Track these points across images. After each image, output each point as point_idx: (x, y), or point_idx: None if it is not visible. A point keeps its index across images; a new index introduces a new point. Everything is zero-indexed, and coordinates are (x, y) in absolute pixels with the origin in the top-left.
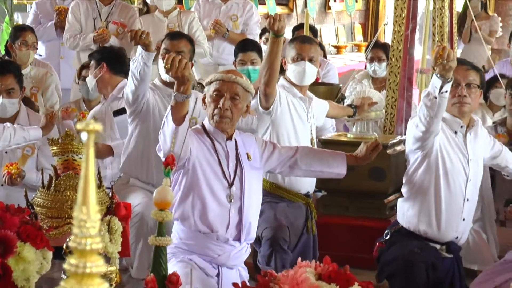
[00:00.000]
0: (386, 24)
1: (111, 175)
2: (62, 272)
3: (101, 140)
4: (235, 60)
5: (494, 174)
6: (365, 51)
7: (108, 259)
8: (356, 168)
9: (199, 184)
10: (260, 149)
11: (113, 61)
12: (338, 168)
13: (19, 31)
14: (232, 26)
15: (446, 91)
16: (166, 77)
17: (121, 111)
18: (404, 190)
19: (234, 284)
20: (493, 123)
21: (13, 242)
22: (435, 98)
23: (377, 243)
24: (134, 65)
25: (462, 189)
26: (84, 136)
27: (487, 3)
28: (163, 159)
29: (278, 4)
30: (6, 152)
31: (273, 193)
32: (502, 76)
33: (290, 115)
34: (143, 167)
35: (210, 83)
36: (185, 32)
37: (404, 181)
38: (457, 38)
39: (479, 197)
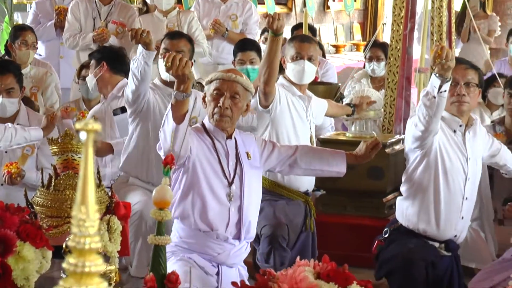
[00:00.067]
0: (385, 24)
1: (110, 174)
2: (61, 271)
3: (101, 139)
4: (234, 60)
5: (492, 173)
6: (364, 51)
7: (107, 258)
8: (355, 167)
9: (199, 183)
10: (259, 148)
11: (113, 60)
12: (338, 167)
13: (19, 30)
14: (232, 25)
15: (445, 91)
16: (166, 76)
17: (121, 110)
18: (403, 188)
19: (233, 283)
20: (492, 122)
21: (13, 241)
22: (434, 97)
23: (376, 241)
24: (135, 65)
25: (461, 187)
26: (83, 135)
27: (485, 2)
28: (163, 157)
29: (277, 3)
30: (6, 152)
31: (273, 191)
32: (500, 75)
33: (289, 114)
34: (143, 166)
35: (210, 82)
36: (185, 31)
37: (403, 179)
38: (455, 37)
39: (477, 196)
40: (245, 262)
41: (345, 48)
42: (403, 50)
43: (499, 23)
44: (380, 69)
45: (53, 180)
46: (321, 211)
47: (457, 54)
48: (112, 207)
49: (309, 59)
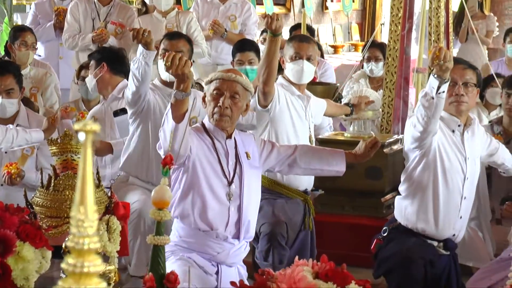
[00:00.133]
0: (383, 24)
1: (110, 174)
2: (61, 271)
3: (101, 139)
4: (233, 60)
5: (490, 172)
6: (362, 51)
7: (107, 258)
8: (353, 167)
9: (199, 182)
10: (259, 148)
11: (113, 61)
12: (337, 166)
13: (18, 31)
14: (231, 26)
15: (443, 92)
16: (166, 77)
17: (121, 111)
18: (402, 188)
19: (232, 283)
20: (489, 122)
21: (13, 241)
22: (433, 98)
23: (375, 240)
24: (135, 65)
25: (459, 187)
26: (81, 136)
27: (483, 2)
28: (163, 157)
29: (275, 4)
30: (5, 152)
31: (272, 189)
32: (498, 75)
33: (289, 113)
34: (143, 166)
35: (210, 82)
36: (183, 32)
37: (402, 179)
38: (453, 37)
39: (475, 195)
40: (244, 262)
41: (343, 49)
42: (401, 50)
43: (497, 23)
44: (378, 69)
45: (52, 181)
46: (319, 210)
47: (455, 54)
48: (112, 207)
49: (308, 59)
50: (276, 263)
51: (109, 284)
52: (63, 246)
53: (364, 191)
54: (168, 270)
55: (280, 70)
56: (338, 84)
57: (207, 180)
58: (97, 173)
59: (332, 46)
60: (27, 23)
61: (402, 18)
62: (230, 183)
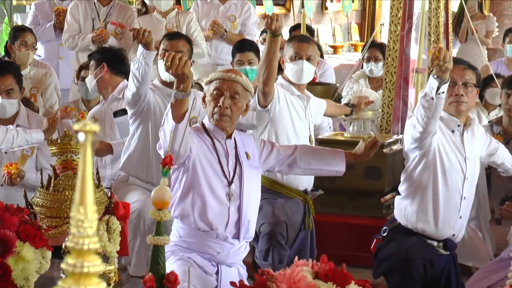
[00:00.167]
0: (383, 24)
1: (110, 175)
2: (61, 271)
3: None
4: (232, 60)
5: (489, 172)
6: (362, 51)
7: (106, 259)
8: (353, 167)
9: (199, 182)
10: (258, 148)
11: (113, 61)
12: (337, 166)
13: (18, 32)
14: (230, 26)
15: (443, 92)
16: (165, 77)
17: (121, 112)
18: (402, 188)
19: (232, 283)
20: (489, 122)
21: (13, 241)
22: (432, 99)
23: (375, 240)
24: (135, 66)
25: (459, 187)
26: (81, 136)
27: (483, 2)
28: (163, 157)
29: (275, 4)
30: (5, 153)
31: (272, 189)
32: (497, 75)
33: (289, 113)
34: (144, 167)
35: (210, 82)
36: (183, 32)
37: (402, 179)
38: (453, 37)
39: (475, 195)
40: (244, 262)
41: (343, 49)
42: (400, 50)
43: (496, 24)
44: (378, 69)
45: (52, 181)
46: (319, 210)
47: (454, 55)
48: (111, 208)
49: (308, 59)
50: (276, 263)
51: (109, 284)
52: (63, 246)
53: (364, 191)
54: (168, 270)
55: (280, 70)
56: (337, 85)
57: (207, 180)
58: (97, 173)
59: (332, 47)
60: (27, 23)
61: (401, 19)
62: (230, 183)
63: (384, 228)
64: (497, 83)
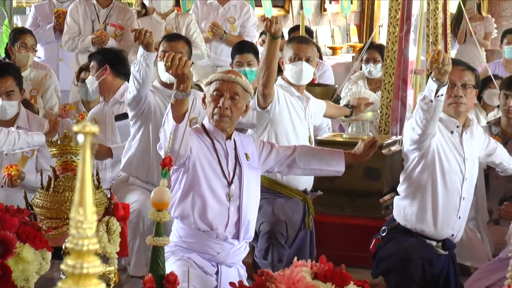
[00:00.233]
0: (381, 26)
1: (110, 177)
2: (61, 272)
3: (100, 142)
4: (232, 62)
5: (488, 173)
6: (360, 52)
7: (106, 259)
8: (352, 167)
9: (199, 183)
10: (258, 149)
11: (115, 63)
12: (336, 166)
13: (18, 33)
14: (230, 28)
15: (442, 95)
16: (165, 78)
17: (123, 116)
18: (401, 188)
19: (231, 284)
20: (487, 123)
21: (13, 242)
22: (431, 101)
23: (374, 239)
24: (136, 68)
25: (458, 187)
26: (80, 138)
27: (481, 4)
28: (163, 157)
29: (274, 6)
30: (6, 154)
31: (271, 189)
32: (495, 76)
33: (288, 114)
34: (144, 168)
35: (210, 83)
36: (183, 34)
37: (401, 179)
38: (451, 38)
39: (473, 196)
40: (244, 262)
41: (342, 50)
42: (399, 52)
43: (495, 25)
44: (376, 70)
45: (52, 182)
46: (318, 211)
47: (453, 56)
48: (111, 209)
49: (307, 60)
50: (275, 262)
51: (108, 285)
52: (63, 247)
53: (362, 192)
54: (167, 271)
55: (280, 71)
56: (336, 86)
57: (207, 180)
58: (97, 174)
59: (331, 48)
60: (27, 25)
61: (400, 20)
62: (229, 184)
63: (383, 228)
64: (495, 84)
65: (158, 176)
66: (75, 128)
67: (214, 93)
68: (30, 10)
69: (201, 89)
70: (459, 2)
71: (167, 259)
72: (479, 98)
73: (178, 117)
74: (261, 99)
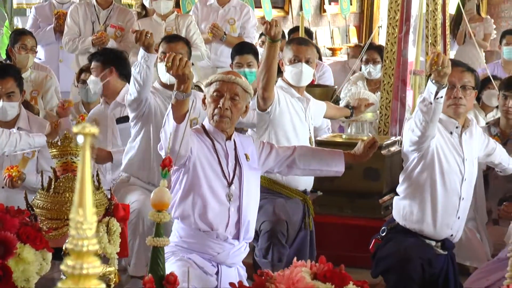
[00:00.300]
0: (380, 27)
1: (111, 180)
2: (61, 272)
3: (101, 144)
4: (232, 63)
5: (487, 173)
6: (360, 53)
7: (107, 260)
8: (351, 168)
9: (199, 183)
10: (257, 150)
11: (119, 65)
12: (336, 167)
13: (18, 35)
14: (230, 29)
15: (441, 97)
16: (166, 79)
17: (124, 119)
18: (400, 188)
19: (231, 284)
20: (487, 123)
21: (13, 243)
22: (431, 103)
23: (374, 239)
24: (137, 70)
25: (457, 188)
26: (80, 139)
27: (480, 5)
28: (164, 157)
29: (274, 7)
30: (6, 155)
31: (271, 189)
32: (494, 77)
33: (289, 115)
34: (145, 169)
35: (210, 84)
36: (183, 35)
37: (400, 180)
38: (450, 39)
39: (472, 196)
40: (244, 263)
41: (341, 51)
42: (398, 52)
43: (494, 26)
44: (376, 71)
45: (52, 183)
46: (318, 211)
47: (452, 57)
48: (111, 209)
49: (307, 62)
50: (275, 261)
51: (109, 285)
52: (64, 247)
53: (362, 193)
54: (168, 271)
55: (280, 72)
56: (336, 87)
57: (208, 181)
58: (97, 175)
59: (330, 49)
60: (27, 26)
61: (399, 21)
62: (229, 184)
63: (383, 228)
64: (494, 85)
65: (159, 176)
66: (75, 129)
67: (214, 94)
68: (30, 12)
69: (201, 90)
70: (458, 3)
71: (167, 260)
72: (478, 98)
73: (179, 118)
74: (261, 101)
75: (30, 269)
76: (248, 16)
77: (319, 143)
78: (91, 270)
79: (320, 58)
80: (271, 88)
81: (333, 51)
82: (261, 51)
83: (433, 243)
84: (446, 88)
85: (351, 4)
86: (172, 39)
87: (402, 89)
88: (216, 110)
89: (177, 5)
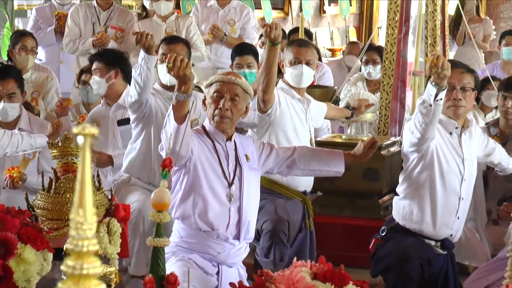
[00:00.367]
0: (380, 28)
1: (111, 181)
2: (62, 273)
3: (102, 145)
4: (232, 64)
5: (487, 173)
6: (360, 54)
7: (107, 260)
8: (351, 168)
9: (200, 183)
10: (257, 150)
11: (124, 66)
12: (336, 167)
13: (19, 36)
14: (230, 30)
15: (441, 99)
16: (166, 81)
17: (125, 121)
18: (400, 188)
19: (231, 284)
20: (486, 124)
21: (14, 243)
22: (430, 105)
23: (374, 239)
24: (137, 72)
25: (457, 188)
26: (80, 139)
27: (479, 5)
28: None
29: (273, 8)
30: (8, 156)
31: (271, 189)
32: (493, 78)
33: (290, 116)
34: (146, 170)
35: (210, 85)
36: (183, 36)
37: (400, 180)
38: (450, 40)
39: (472, 196)
40: (244, 263)
41: (341, 52)
42: (397, 53)
43: (493, 27)
44: (376, 72)
45: (53, 183)
46: (318, 212)
47: (451, 57)
48: (112, 210)
49: (307, 63)
50: (277, 260)
51: (109, 285)
52: (64, 248)
53: (362, 193)
54: (168, 271)
55: (280, 74)
56: (335, 87)
57: (208, 181)
58: (98, 175)
59: (330, 50)
60: (28, 28)
61: (398, 22)
62: (230, 185)
63: (383, 228)
64: (493, 86)
65: (159, 177)
66: (75, 130)
67: (214, 94)
68: (31, 13)
69: (201, 91)
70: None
71: (168, 260)
72: (477, 99)
73: (179, 119)
74: (261, 104)
75: (31, 269)
76: (248, 17)
77: (319, 144)
78: (91, 270)
79: (320, 59)
80: (271, 91)
81: (333, 52)
82: (261, 52)
83: (433, 242)
84: (445, 90)
85: (350, 5)
86: (171, 40)
87: (402, 89)
88: (216, 111)
89: (177, 6)
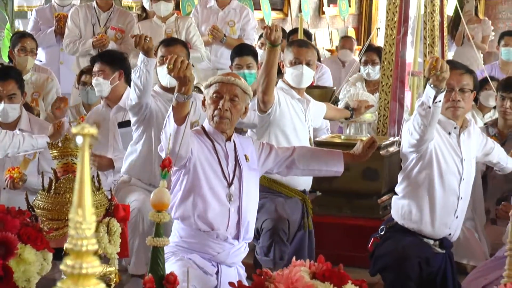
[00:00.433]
0: (379, 28)
1: (111, 182)
2: (62, 272)
3: (102, 147)
4: (231, 64)
5: (486, 173)
6: (359, 55)
7: (107, 260)
8: (350, 168)
9: (200, 184)
10: (257, 151)
11: (127, 68)
12: (335, 167)
13: (19, 37)
14: (230, 31)
15: (440, 101)
16: (166, 83)
17: (126, 124)
18: (399, 188)
19: (231, 284)
20: (484, 124)
21: (14, 244)
22: (429, 107)
23: (373, 238)
24: (137, 74)
25: (456, 187)
26: (79, 139)
27: (478, 6)
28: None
29: (273, 9)
30: (9, 157)
31: (271, 188)
32: (492, 78)
33: (289, 116)
34: (147, 172)
35: (209, 85)
36: (183, 37)
37: (399, 179)
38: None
39: (471, 196)
40: (244, 263)
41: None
42: (396, 54)
43: (492, 27)
44: (375, 72)
45: (53, 184)
46: (317, 211)
47: (450, 58)
48: (112, 210)
49: (307, 64)
50: (277, 259)
51: (109, 285)
52: (64, 248)
53: (361, 193)
54: (168, 271)
55: (280, 74)
56: (335, 88)
57: (208, 181)
58: (98, 176)
59: (329, 50)
60: (28, 29)
61: (397, 22)
62: (229, 185)
63: (382, 227)
64: (492, 86)
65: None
66: (74, 130)
67: (214, 95)
68: (31, 14)
69: (201, 92)
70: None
71: (167, 260)
72: (476, 99)
73: (180, 120)
74: (261, 105)
75: (31, 269)
76: (247, 18)
77: (318, 144)
78: (90, 269)
79: (319, 60)
80: (271, 92)
81: (332, 52)
82: (261, 52)
83: (431, 242)
84: (444, 92)
85: (349, 6)
86: (170, 42)
87: (401, 90)
88: (215, 112)
89: (177, 7)
